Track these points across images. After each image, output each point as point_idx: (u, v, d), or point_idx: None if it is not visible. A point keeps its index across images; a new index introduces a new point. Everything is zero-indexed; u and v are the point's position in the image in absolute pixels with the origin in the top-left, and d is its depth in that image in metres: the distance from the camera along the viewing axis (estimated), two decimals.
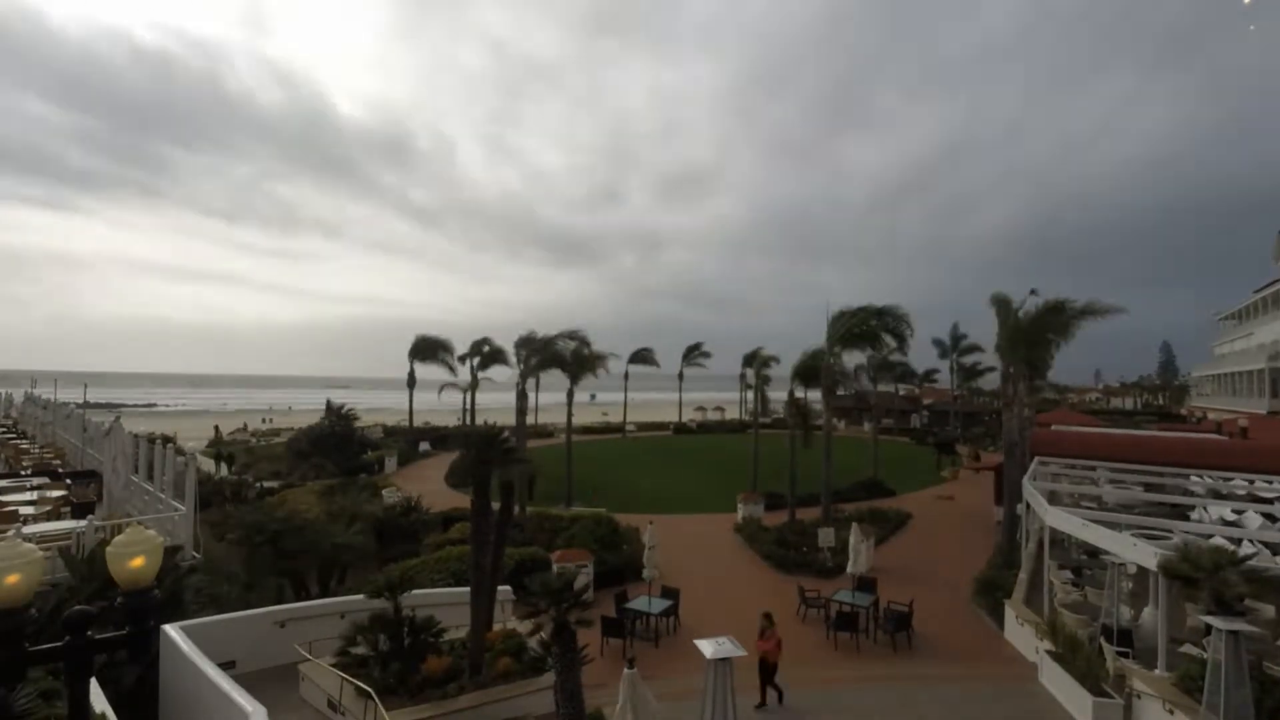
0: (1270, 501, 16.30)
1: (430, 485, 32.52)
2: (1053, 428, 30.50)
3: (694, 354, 68.93)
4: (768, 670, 11.27)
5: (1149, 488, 18.69)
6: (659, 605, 15.07)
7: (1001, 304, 23.40)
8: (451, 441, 44.37)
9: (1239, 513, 15.36)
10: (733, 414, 71.44)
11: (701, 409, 76.20)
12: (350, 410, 41.97)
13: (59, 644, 3.48)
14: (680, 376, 69.47)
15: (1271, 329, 45.37)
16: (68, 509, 16.47)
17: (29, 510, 15.33)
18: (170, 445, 18.12)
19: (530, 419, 38.18)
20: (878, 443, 37.99)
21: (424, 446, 45.37)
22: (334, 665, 10.86)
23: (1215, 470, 19.38)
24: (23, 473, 21.76)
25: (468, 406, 45.72)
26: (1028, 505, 17.00)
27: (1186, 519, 15.24)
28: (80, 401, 55.35)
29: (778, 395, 32.41)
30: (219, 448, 39.16)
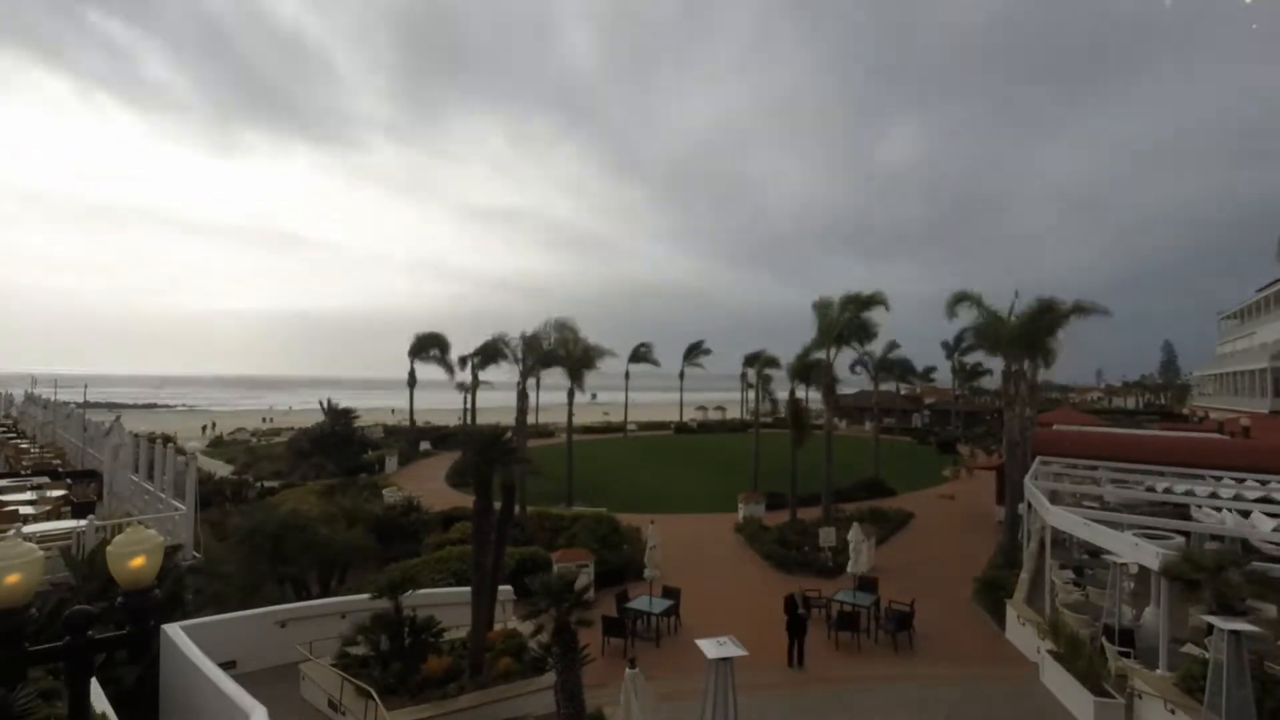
0: (1272, 501, 16.25)
1: (431, 485, 32.57)
2: (1054, 427, 30.47)
3: (695, 353, 68.92)
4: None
5: (1150, 488, 18.66)
6: (660, 605, 15.05)
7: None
8: (452, 441, 44.37)
9: (1245, 514, 15.32)
10: (734, 413, 71.56)
11: (702, 408, 76.29)
12: (353, 412, 41.98)
13: (59, 644, 3.47)
14: (681, 376, 69.52)
15: (1273, 328, 45.19)
16: (68, 509, 16.43)
17: (29, 510, 15.28)
18: (170, 445, 18.12)
19: (531, 419, 38.09)
20: (879, 442, 37.98)
21: (425, 446, 45.42)
22: (335, 665, 10.88)
23: (1217, 470, 19.34)
24: (23, 472, 21.72)
25: (468, 406, 45.67)
26: (1029, 505, 16.99)
27: (1188, 519, 15.22)
28: (80, 401, 55.38)
29: (784, 395, 32.32)
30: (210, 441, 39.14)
